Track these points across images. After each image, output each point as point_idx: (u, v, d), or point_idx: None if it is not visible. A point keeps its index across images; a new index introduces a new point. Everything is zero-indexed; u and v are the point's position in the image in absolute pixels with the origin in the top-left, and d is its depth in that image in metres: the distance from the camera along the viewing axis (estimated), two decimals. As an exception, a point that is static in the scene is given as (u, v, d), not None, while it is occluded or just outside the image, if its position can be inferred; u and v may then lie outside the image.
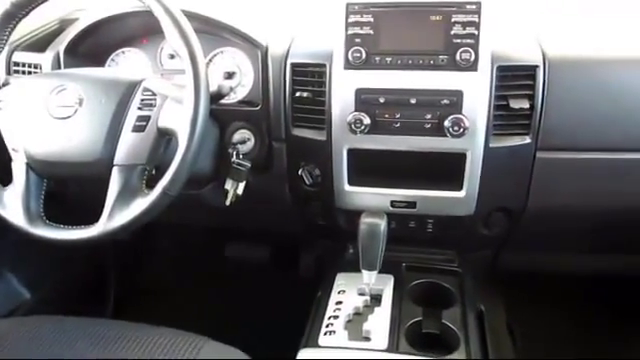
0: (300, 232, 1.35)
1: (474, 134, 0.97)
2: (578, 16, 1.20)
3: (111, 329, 0.88)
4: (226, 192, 1.08)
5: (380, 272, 1.01)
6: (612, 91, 0.99)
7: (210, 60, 1.12)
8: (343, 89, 0.99)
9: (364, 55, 0.97)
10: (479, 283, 1.34)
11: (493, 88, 0.97)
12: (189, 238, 1.75)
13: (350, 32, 0.97)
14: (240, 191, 1.08)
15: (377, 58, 0.97)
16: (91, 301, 1.65)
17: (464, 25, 0.94)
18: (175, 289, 1.74)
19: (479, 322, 1.26)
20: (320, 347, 0.93)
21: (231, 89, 1.04)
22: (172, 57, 1.14)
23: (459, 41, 0.94)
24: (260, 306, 1.62)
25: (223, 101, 1.00)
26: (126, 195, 0.86)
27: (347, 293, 1.04)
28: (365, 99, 0.98)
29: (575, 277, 1.40)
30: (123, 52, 1.18)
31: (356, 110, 0.98)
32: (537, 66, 0.97)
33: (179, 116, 0.85)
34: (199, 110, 0.84)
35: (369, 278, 1.00)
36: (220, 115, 1.08)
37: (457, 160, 1.01)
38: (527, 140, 1.00)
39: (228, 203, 1.08)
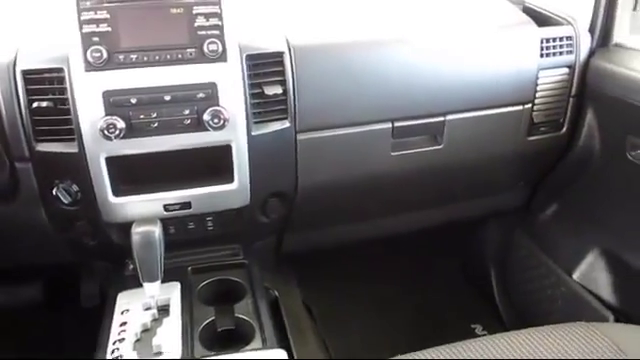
0: (73, 259, 1.22)
1: (235, 124, 0.97)
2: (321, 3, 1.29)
3: None
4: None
5: (164, 281, 0.96)
6: (352, 72, 1.08)
7: None
8: (88, 93, 0.91)
9: (105, 54, 0.89)
10: (270, 270, 1.37)
11: (246, 77, 0.98)
12: None
13: (85, 31, 0.89)
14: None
15: (120, 56, 0.90)
16: None
17: (207, 16, 0.93)
18: None
19: (274, 308, 1.28)
20: (109, 376, 0.84)
21: None
22: None
23: (204, 33, 0.93)
24: (41, 353, 1.43)
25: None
26: None
27: (131, 311, 0.97)
28: (115, 101, 0.91)
29: (361, 244, 1.51)
30: None
31: (107, 114, 0.91)
32: (283, 52, 1.01)
33: None
34: None
35: (153, 290, 0.94)
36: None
37: (224, 153, 1.01)
38: (287, 124, 1.05)
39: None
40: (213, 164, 1.02)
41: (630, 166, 1.19)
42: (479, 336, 0.94)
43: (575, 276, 1.41)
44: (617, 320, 1.29)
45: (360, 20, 1.17)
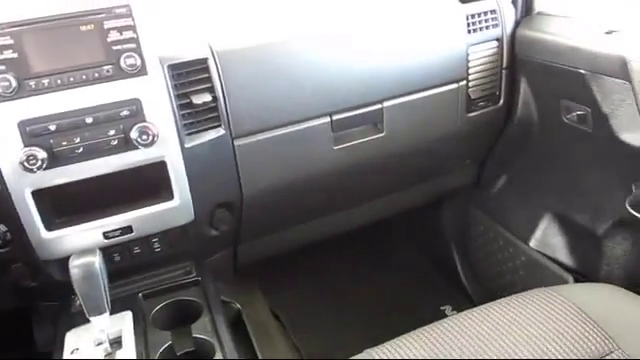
0: (17, 304, 1.15)
1: (166, 139, 0.94)
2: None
3: None
4: None
5: (114, 312, 0.91)
6: (281, 71, 1.05)
7: None
8: (2, 126, 0.85)
9: (14, 83, 0.84)
10: (229, 283, 1.33)
11: (171, 88, 0.94)
12: None
13: None
14: None
15: (32, 83, 0.85)
16: None
17: (120, 30, 0.88)
18: None
19: (238, 321, 1.25)
20: None
21: None
22: None
23: (120, 47, 0.88)
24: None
25: None
26: None
27: (82, 350, 0.91)
28: (33, 131, 0.85)
29: (322, 242, 1.49)
30: None
31: (26, 146, 0.85)
32: (206, 59, 0.98)
33: None
34: None
35: (102, 324, 0.89)
36: None
37: (159, 170, 0.96)
38: (222, 132, 1.01)
39: None
40: (150, 183, 0.98)
41: (567, 129, 1.21)
42: (449, 317, 0.94)
43: (532, 244, 1.43)
44: (576, 280, 1.31)
45: (283, 18, 1.15)
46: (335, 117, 1.12)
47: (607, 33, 1.08)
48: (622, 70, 1.00)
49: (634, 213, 1.09)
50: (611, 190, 1.18)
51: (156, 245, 1.06)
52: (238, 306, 1.28)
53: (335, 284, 1.73)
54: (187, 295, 1.05)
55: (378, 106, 1.16)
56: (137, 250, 1.05)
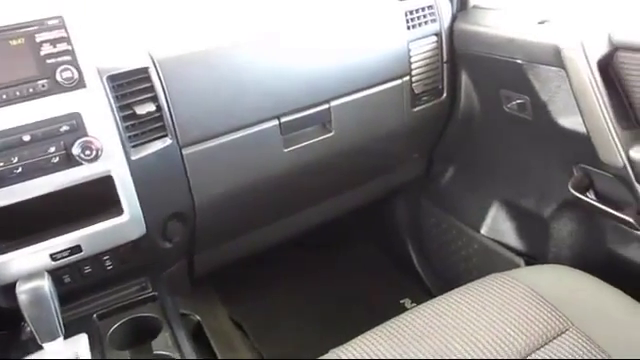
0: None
1: (111, 153, 0.91)
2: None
3: None
4: None
5: (68, 336, 0.88)
6: (225, 76, 1.04)
7: None
8: None
9: (-58, 103, 0.79)
10: (187, 295, 1.30)
11: (112, 100, 0.92)
12: None
13: None
14: None
15: (-37, 103, 0.81)
16: None
17: (53, 43, 0.85)
18: None
19: (199, 332, 1.23)
20: None
21: None
22: None
23: (54, 61, 0.85)
24: None
25: None
26: None
27: (36, 378, 0.87)
28: None
29: (279, 245, 1.48)
30: None
31: None
32: (147, 68, 0.95)
33: None
34: None
35: (55, 349, 0.85)
36: None
37: (106, 185, 0.93)
38: (168, 141, 0.99)
39: None
40: (97, 199, 0.94)
41: (508, 118, 1.25)
42: (409, 309, 0.95)
43: (483, 231, 1.46)
44: (527, 263, 1.36)
45: (225, 22, 1.13)
46: (283, 119, 1.12)
47: (540, 23, 1.12)
48: (556, 58, 1.04)
49: (577, 194, 1.13)
50: (554, 174, 1.23)
51: (108, 263, 1.02)
52: (198, 318, 1.26)
53: (295, 286, 1.72)
54: (144, 311, 1.02)
55: (325, 106, 1.17)
56: (88, 269, 1.01)
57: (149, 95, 0.96)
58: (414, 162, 1.55)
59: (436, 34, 1.30)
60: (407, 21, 1.25)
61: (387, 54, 1.23)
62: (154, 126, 0.97)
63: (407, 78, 1.27)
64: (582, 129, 1.05)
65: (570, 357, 0.82)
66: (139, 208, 0.98)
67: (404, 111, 1.31)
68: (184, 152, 1.02)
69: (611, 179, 1.07)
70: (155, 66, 0.96)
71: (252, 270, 1.66)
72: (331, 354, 0.87)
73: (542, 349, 0.84)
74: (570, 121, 1.09)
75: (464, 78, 1.34)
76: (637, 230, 1.07)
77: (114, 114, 0.92)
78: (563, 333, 0.86)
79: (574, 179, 1.16)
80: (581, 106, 1.03)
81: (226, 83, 1.04)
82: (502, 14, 1.24)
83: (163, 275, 1.15)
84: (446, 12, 1.31)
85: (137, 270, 1.09)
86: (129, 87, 0.94)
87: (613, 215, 1.08)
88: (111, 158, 0.91)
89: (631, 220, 1.04)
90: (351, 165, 1.33)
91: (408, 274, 1.72)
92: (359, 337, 0.90)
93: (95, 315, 1.01)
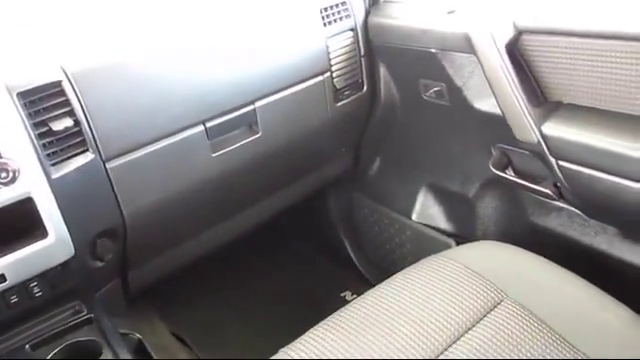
0: None
1: (29, 173, 0.86)
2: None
3: None
4: None
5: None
6: (142, 85, 1.00)
7: None
8: None
9: None
10: (125, 314, 1.26)
11: (25, 118, 0.87)
12: None
13: None
14: None
15: None
16: None
17: (-47, 62, 0.79)
18: None
19: (141, 350, 1.19)
20: None
21: None
22: None
23: None
24: None
25: None
26: None
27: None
28: None
29: (215, 252, 1.45)
30: None
31: None
32: (60, 81, 0.91)
33: None
34: None
35: (-13, 387, 0.80)
36: None
37: (27, 207, 0.88)
38: (90, 156, 0.95)
39: None
40: (19, 223, 0.89)
41: (427, 105, 1.30)
42: (350, 301, 0.96)
43: (414, 217, 1.51)
44: (458, 243, 1.42)
45: (138, 31, 1.10)
46: (209, 124, 1.10)
47: (449, 13, 1.17)
48: (467, 45, 1.10)
49: (497, 172, 1.20)
50: (474, 155, 1.29)
51: (36, 289, 0.97)
52: (138, 336, 1.22)
53: (235, 292, 1.70)
54: (82, 335, 0.97)
55: (250, 107, 1.16)
56: (15, 299, 0.95)
57: (65, 110, 0.91)
58: (342, 156, 1.58)
59: (352, 29, 1.33)
60: (323, 18, 1.26)
61: (307, 51, 1.24)
62: (73, 141, 0.93)
63: (328, 74, 1.29)
64: (497, 110, 1.11)
65: (507, 326, 0.87)
66: (65, 228, 0.93)
67: (328, 107, 1.33)
68: (108, 166, 0.98)
69: (527, 155, 1.14)
70: (69, 79, 0.92)
71: (189, 280, 1.62)
72: (281, 354, 0.87)
73: (481, 322, 0.88)
74: (485, 104, 1.15)
75: (382, 70, 1.38)
76: (555, 200, 1.15)
77: (28, 132, 0.87)
78: (498, 304, 0.91)
79: (494, 158, 1.22)
80: (494, 89, 1.09)
81: (145, 93, 1.01)
82: (412, 6, 1.29)
83: (97, 296, 1.10)
84: (359, 8, 1.34)
85: (69, 294, 1.04)
86: (42, 103, 0.89)
87: (532, 189, 1.15)
88: (30, 179, 0.86)
89: (549, 192, 1.11)
90: (281, 164, 1.34)
91: (346, 267, 1.75)
92: (306, 334, 0.91)
93: (28, 345, 0.95)
